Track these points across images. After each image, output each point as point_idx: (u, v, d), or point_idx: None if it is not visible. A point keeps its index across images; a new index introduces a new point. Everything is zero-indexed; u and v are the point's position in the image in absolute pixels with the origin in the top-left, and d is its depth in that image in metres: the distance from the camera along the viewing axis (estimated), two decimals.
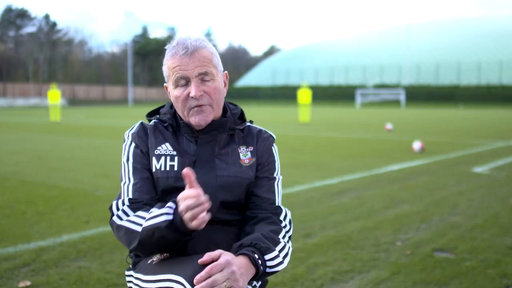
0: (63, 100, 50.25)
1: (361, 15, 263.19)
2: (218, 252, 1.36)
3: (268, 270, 1.47)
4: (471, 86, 59.55)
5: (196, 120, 1.62)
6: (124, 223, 1.50)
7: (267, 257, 1.47)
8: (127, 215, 1.52)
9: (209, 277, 1.30)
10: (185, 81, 1.60)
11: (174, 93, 1.62)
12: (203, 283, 1.29)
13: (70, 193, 6.01)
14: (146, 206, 1.56)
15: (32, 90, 60.10)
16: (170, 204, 1.41)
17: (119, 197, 1.61)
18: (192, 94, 1.57)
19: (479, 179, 7.15)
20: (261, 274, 1.45)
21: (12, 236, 4.15)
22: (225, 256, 1.34)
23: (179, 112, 1.66)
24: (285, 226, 1.64)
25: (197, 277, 1.31)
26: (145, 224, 1.43)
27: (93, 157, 9.69)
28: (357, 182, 6.90)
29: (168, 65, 1.62)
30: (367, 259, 3.67)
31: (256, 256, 1.43)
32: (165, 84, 1.73)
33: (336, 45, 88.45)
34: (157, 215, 1.41)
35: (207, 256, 1.35)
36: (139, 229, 1.45)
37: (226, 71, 1.74)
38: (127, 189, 1.61)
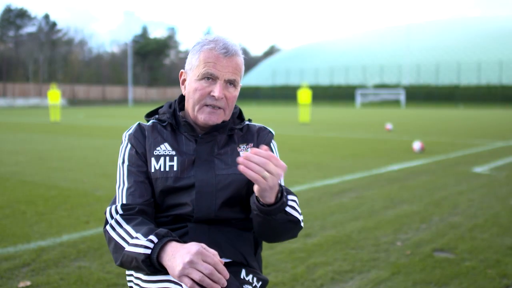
0: (63, 100, 50.27)
1: (361, 15, 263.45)
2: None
3: (286, 200, 1.51)
4: (471, 86, 59.52)
5: (206, 118, 1.62)
6: (115, 236, 1.50)
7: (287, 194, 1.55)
8: (120, 225, 1.52)
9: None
10: (212, 78, 1.61)
11: (194, 84, 1.62)
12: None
13: (70, 193, 6.01)
14: (138, 216, 1.55)
15: (32, 90, 60.09)
16: (152, 237, 1.40)
17: (114, 202, 1.62)
18: (216, 94, 1.59)
19: (479, 179, 7.15)
20: (282, 194, 1.47)
21: (12, 236, 4.15)
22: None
23: (189, 104, 1.66)
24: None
25: (245, 154, 1.37)
26: (127, 248, 1.44)
27: (93, 157, 9.69)
28: (357, 182, 6.90)
29: (201, 57, 1.61)
30: (367, 259, 3.67)
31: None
32: (182, 71, 1.73)
33: (336, 45, 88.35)
34: (139, 245, 1.41)
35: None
36: (125, 246, 1.45)
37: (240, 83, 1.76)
38: (121, 193, 1.62)
